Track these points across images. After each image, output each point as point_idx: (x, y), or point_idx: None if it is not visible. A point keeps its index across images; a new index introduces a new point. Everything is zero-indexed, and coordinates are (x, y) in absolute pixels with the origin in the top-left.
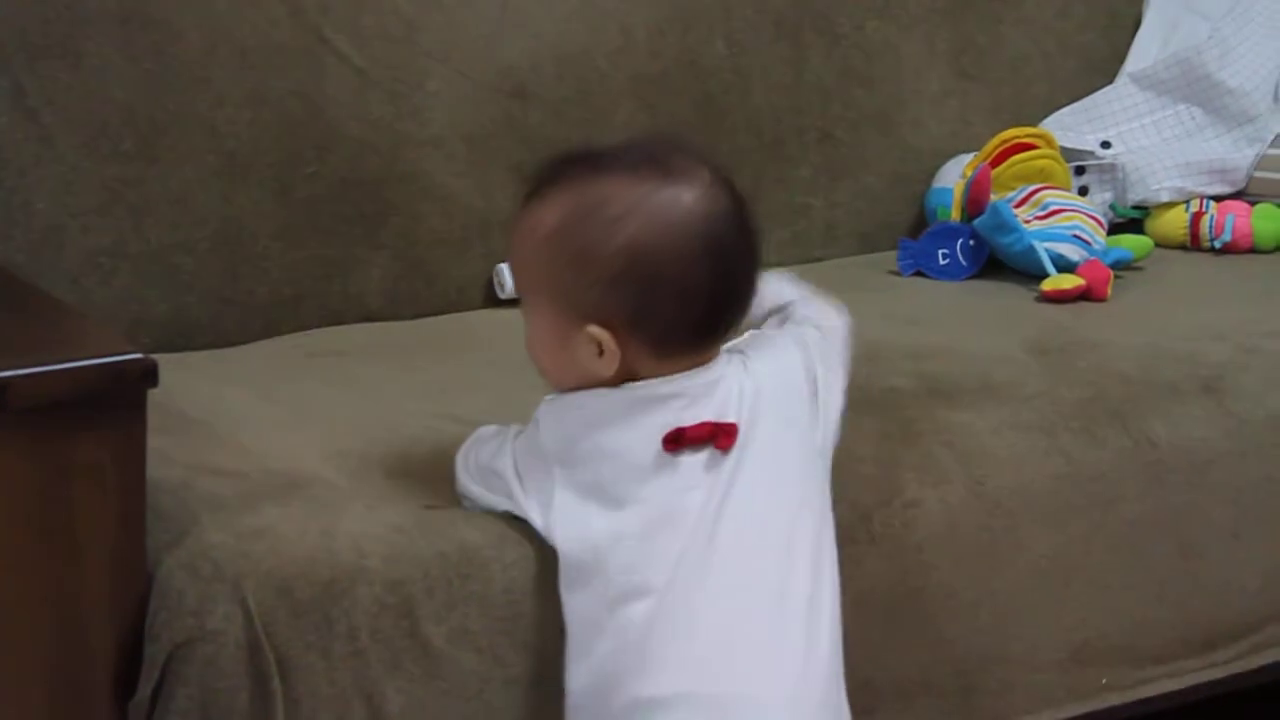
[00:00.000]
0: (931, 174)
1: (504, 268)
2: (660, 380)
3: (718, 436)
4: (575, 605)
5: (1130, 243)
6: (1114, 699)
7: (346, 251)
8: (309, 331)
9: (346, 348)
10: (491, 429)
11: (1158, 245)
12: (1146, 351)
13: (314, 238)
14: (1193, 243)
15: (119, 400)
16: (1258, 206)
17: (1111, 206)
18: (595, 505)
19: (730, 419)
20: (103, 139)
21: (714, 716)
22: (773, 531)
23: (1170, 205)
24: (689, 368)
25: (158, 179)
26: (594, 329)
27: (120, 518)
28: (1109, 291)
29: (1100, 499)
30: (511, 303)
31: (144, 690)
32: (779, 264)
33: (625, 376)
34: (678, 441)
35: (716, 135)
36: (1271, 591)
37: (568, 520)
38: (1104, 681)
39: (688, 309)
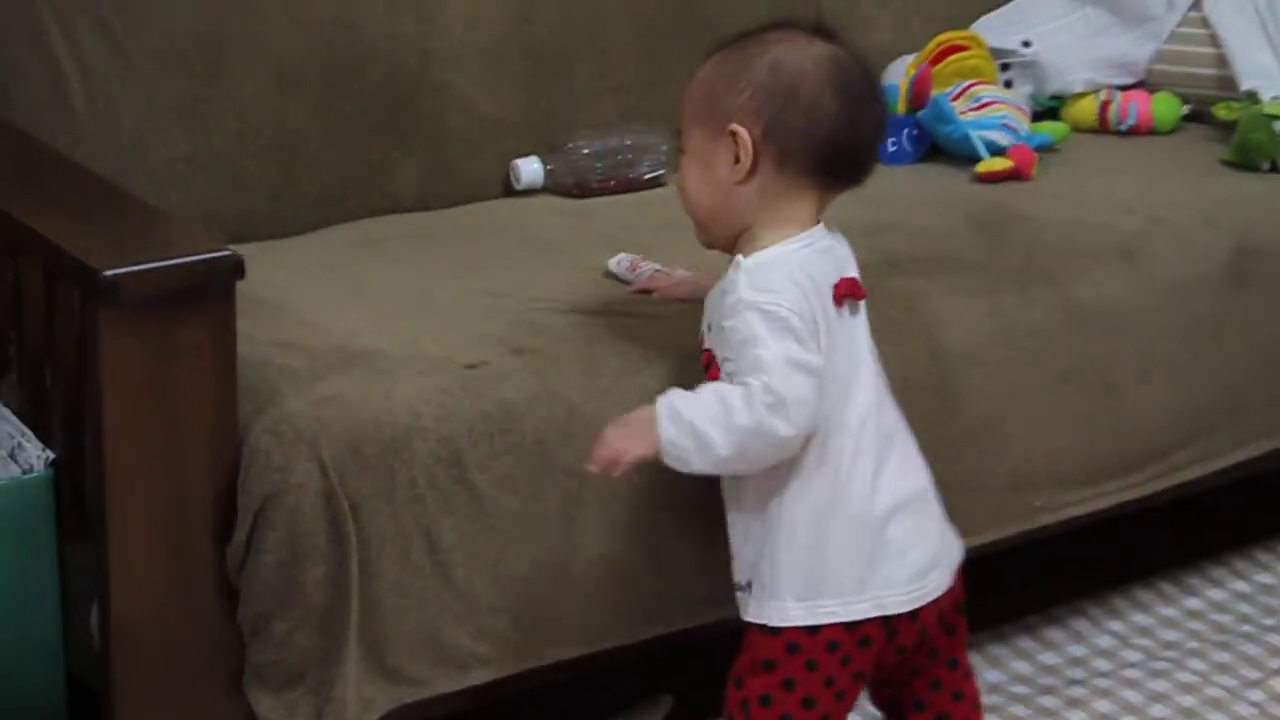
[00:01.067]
0: (880, 72)
1: (518, 163)
2: (819, 231)
3: (857, 291)
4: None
5: (1050, 128)
6: (1047, 518)
7: (383, 154)
8: (353, 223)
9: (387, 235)
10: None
11: (1073, 130)
12: (1069, 223)
13: (355, 142)
14: (1102, 127)
15: (212, 291)
16: (1157, 94)
17: (1032, 97)
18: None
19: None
20: (176, 61)
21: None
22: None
23: (1082, 95)
24: (809, 213)
25: (223, 95)
26: (736, 126)
27: (216, 391)
28: (1034, 172)
29: (1033, 351)
30: (524, 193)
31: (239, 536)
32: None
33: (754, 201)
34: (841, 291)
35: (697, 50)
36: (1176, 424)
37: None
38: (1037, 504)
39: (812, 126)
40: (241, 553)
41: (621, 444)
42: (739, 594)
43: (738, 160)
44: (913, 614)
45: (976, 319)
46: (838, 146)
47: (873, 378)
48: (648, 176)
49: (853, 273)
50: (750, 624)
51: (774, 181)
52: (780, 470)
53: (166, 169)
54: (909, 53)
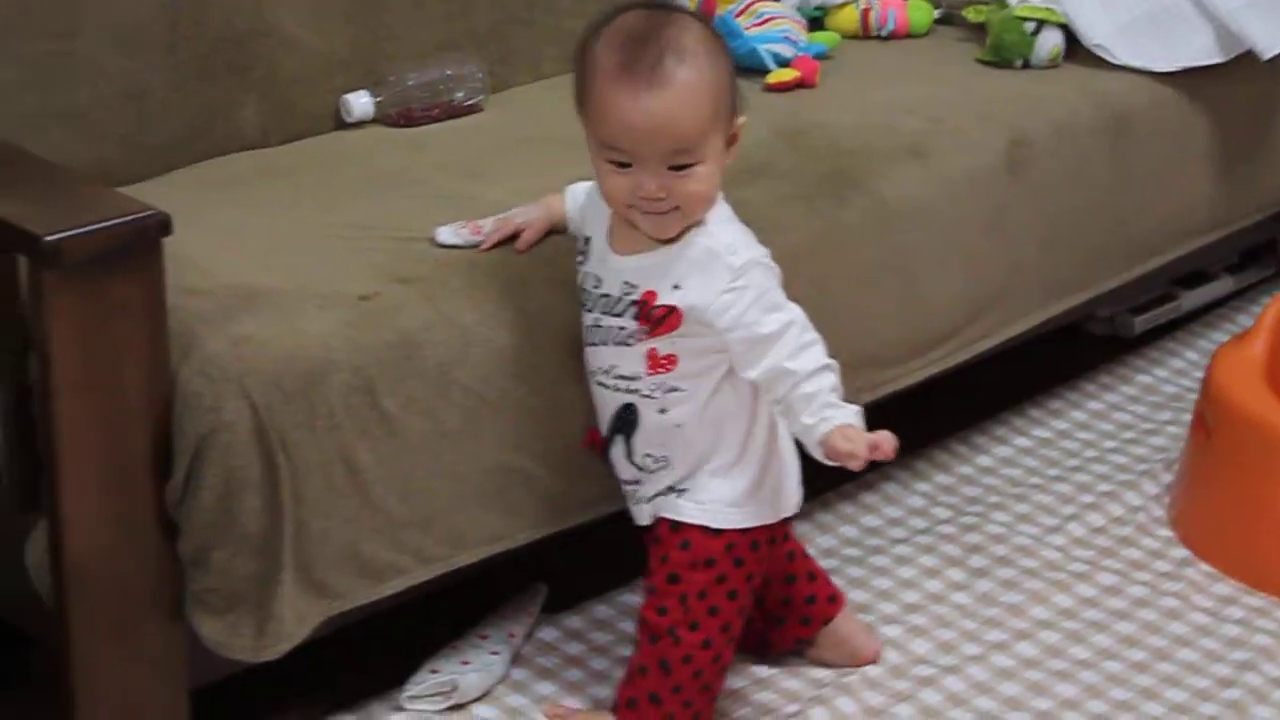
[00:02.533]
0: None
1: (348, 97)
2: None
3: None
4: None
5: (824, 38)
6: (866, 397)
7: (226, 96)
8: (200, 164)
9: (236, 175)
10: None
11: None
12: (861, 128)
13: (199, 87)
14: (864, 33)
15: (143, 248)
16: (910, 0)
17: (798, 9)
18: None
19: None
20: (26, 19)
21: None
22: None
23: (843, 5)
24: None
25: (73, 49)
26: (740, 118)
27: (149, 340)
28: (818, 79)
29: (849, 246)
30: (353, 126)
31: (178, 475)
32: (551, 75)
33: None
34: None
35: None
36: (967, 305)
37: None
38: (858, 386)
39: None
40: (180, 489)
41: (860, 449)
42: (661, 498)
43: (728, 146)
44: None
45: (800, 223)
46: None
47: None
48: (468, 103)
49: None
50: (687, 524)
51: None
52: (734, 391)
53: (22, 124)
54: None
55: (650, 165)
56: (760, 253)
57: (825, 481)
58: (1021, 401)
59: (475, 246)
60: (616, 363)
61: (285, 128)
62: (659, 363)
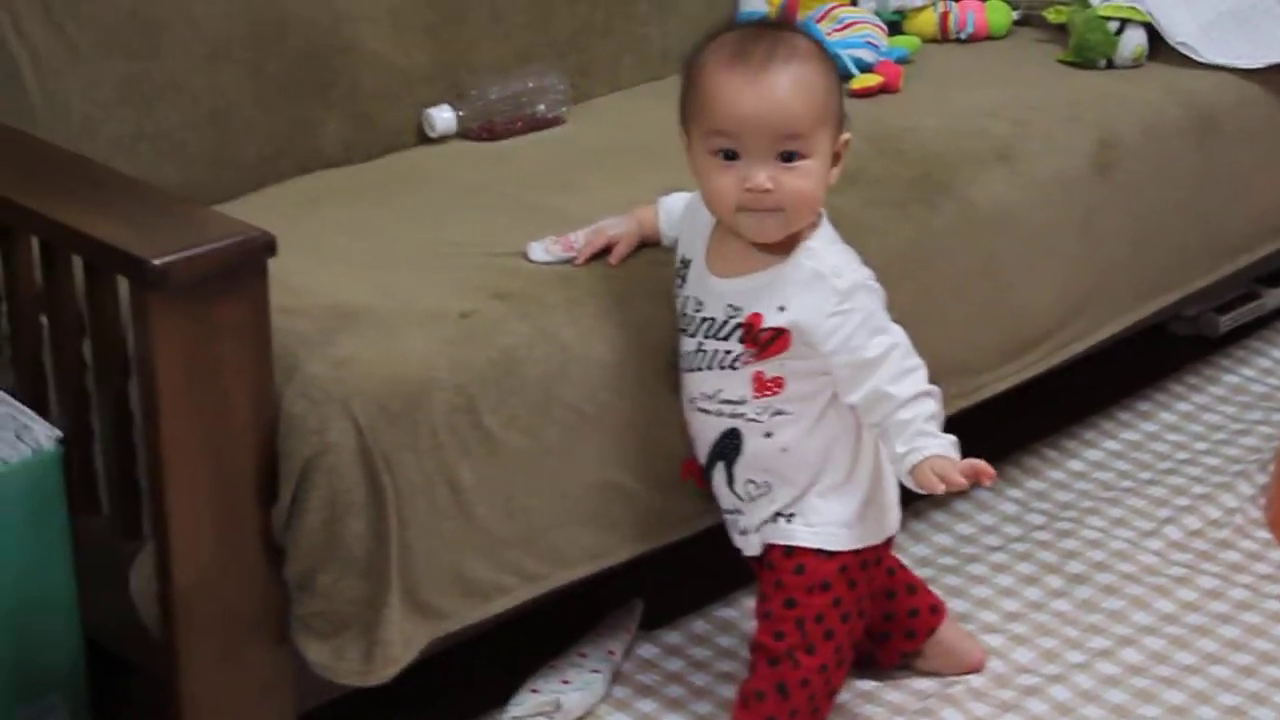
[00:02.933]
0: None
1: (431, 112)
2: None
3: None
4: None
5: (905, 42)
6: (962, 404)
7: (309, 113)
8: (286, 183)
9: (323, 192)
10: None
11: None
12: (948, 132)
13: (283, 104)
14: (943, 36)
15: (248, 270)
16: (989, 2)
17: (876, 13)
18: None
19: None
20: (115, 43)
21: None
22: None
23: (922, 8)
24: None
25: (160, 72)
26: (845, 134)
27: (255, 363)
28: (901, 84)
29: (941, 252)
30: (436, 141)
31: (284, 499)
32: (629, 84)
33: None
34: None
35: None
36: (1058, 308)
37: None
38: (953, 392)
39: None
40: (286, 513)
41: (947, 484)
42: (769, 525)
43: (835, 163)
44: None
45: (894, 228)
46: None
47: None
48: (550, 115)
49: None
50: (800, 548)
51: None
52: (838, 413)
53: (114, 146)
54: None
55: (758, 153)
56: (865, 275)
57: (912, 491)
58: (1109, 405)
59: (569, 262)
60: (721, 387)
61: (368, 144)
62: (766, 385)
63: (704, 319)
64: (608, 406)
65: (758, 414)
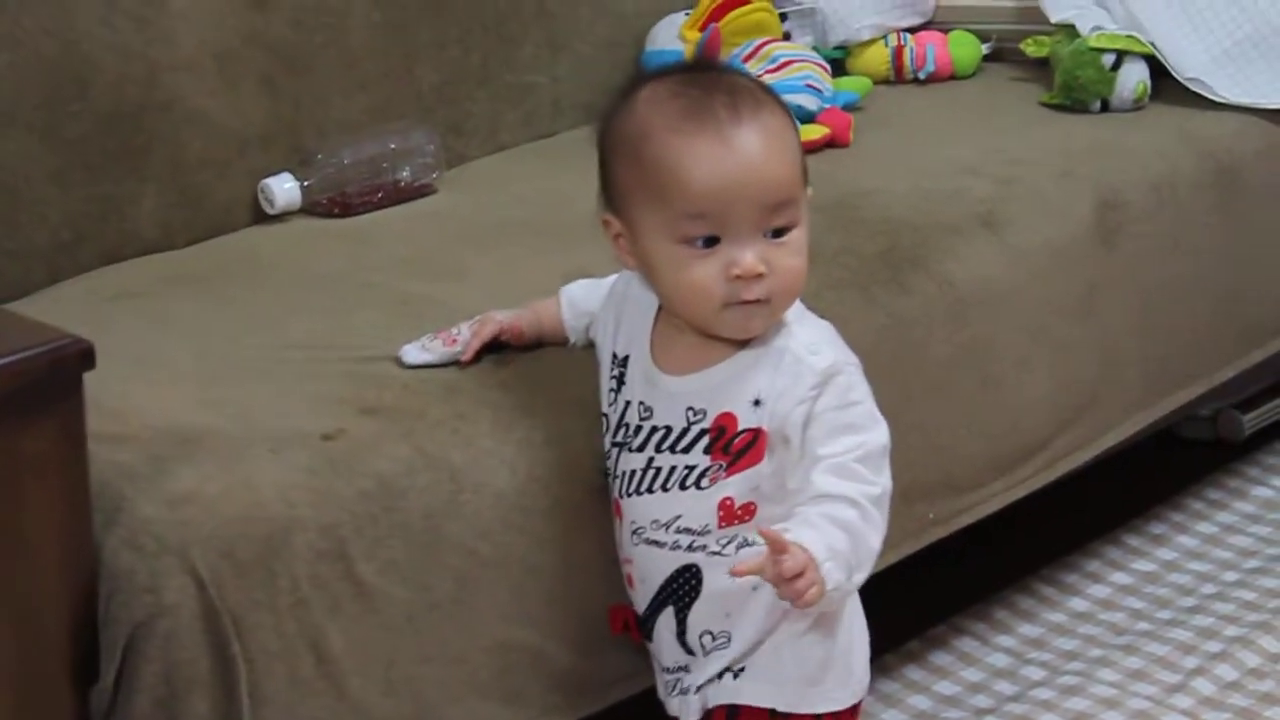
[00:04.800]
0: (642, 37)
1: (270, 182)
2: None
3: None
4: None
5: (853, 84)
6: (939, 531)
7: (118, 187)
8: (90, 273)
9: (141, 286)
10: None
11: None
12: (916, 195)
13: (85, 177)
14: (897, 76)
15: (59, 388)
16: (952, 34)
17: (815, 49)
18: None
19: None
20: None
21: None
22: None
23: (870, 42)
24: None
25: None
26: (808, 189)
27: (68, 506)
28: (851, 136)
29: (915, 345)
30: (276, 218)
31: (107, 677)
32: (513, 143)
33: None
34: None
35: (446, 26)
36: (1056, 409)
37: None
38: (930, 516)
39: None
40: (110, 695)
41: (804, 585)
42: (713, 684)
43: None
44: None
45: (856, 316)
46: None
47: None
48: (418, 184)
49: None
50: (746, 709)
51: None
52: None
53: None
54: (676, 10)
55: (744, 231)
56: (849, 356)
57: (882, 641)
58: (1114, 527)
59: (454, 361)
60: (680, 512)
61: (193, 223)
62: (734, 515)
63: (654, 428)
64: (508, 547)
65: (722, 545)
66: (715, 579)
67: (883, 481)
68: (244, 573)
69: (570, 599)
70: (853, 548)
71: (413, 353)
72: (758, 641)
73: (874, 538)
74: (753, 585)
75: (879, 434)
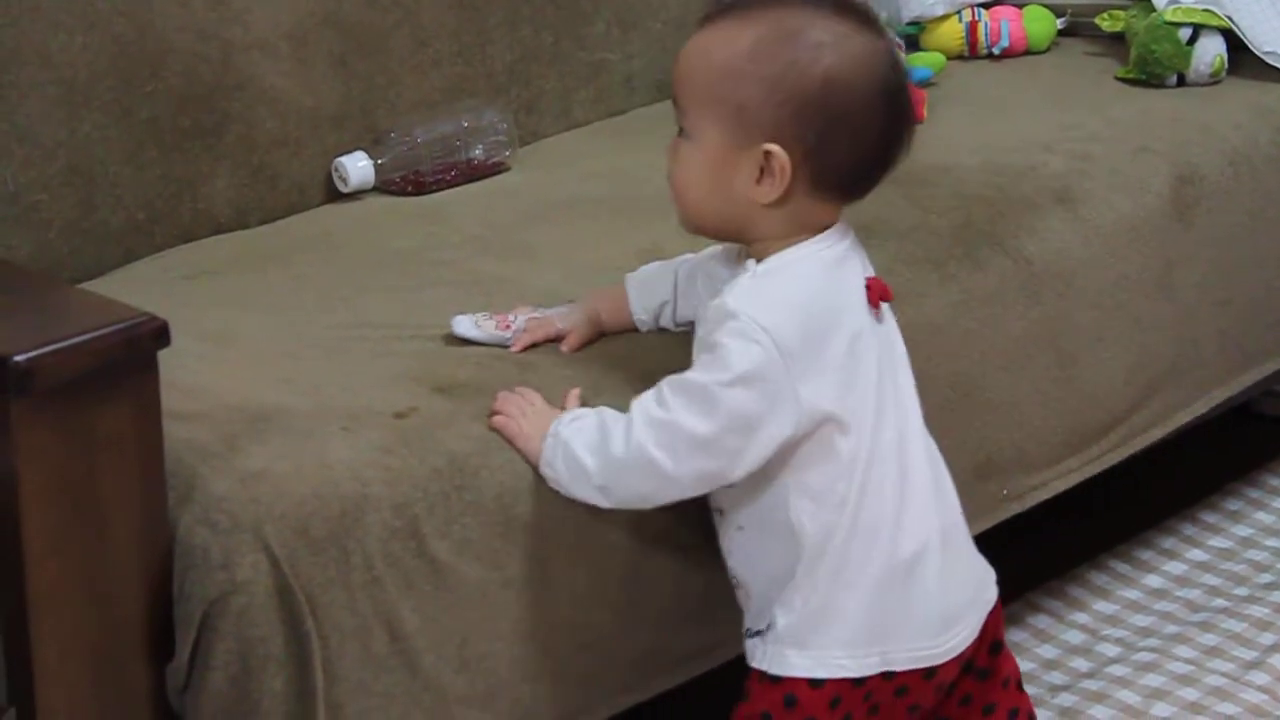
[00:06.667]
0: None
1: (344, 161)
2: (837, 232)
3: (887, 292)
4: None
5: (927, 60)
6: (1015, 508)
7: (192, 167)
8: (165, 253)
9: (215, 264)
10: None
11: None
12: (991, 170)
13: (159, 157)
14: (971, 51)
15: (134, 365)
16: (1026, 9)
17: (888, 25)
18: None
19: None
20: None
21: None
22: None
23: (943, 17)
24: (828, 219)
25: (3, 117)
26: (773, 147)
27: (143, 483)
28: (925, 112)
29: (990, 321)
30: (349, 197)
31: (182, 654)
32: (585, 121)
33: (775, 219)
34: (876, 294)
35: (518, 5)
36: (1133, 385)
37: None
38: (1004, 493)
39: (855, 150)
40: (185, 671)
41: (516, 428)
42: (749, 640)
43: (760, 178)
44: (927, 672)
45: (931, 291)
46: (875, 167)
47: (912, 388)
48: (491, 161)
49: (872, 270)
50: (752, 669)
51: (802, 201)
52: (806, 501)
53: None
54: None
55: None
56: (767, 319)
57: None
58: (1190, 503)
59: (503, 345)
60: None
61: (267, 203)
62: None
63: None
64: (581, 526)
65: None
66: (716, 519)
67: (674, 417)
68: (317, 550)
69: (644, 578)
70: (592, 451)
71: (464, 324)
72: (765, 596)
73: (619, 451)
74: (738, 526)
75: (714, 389)
